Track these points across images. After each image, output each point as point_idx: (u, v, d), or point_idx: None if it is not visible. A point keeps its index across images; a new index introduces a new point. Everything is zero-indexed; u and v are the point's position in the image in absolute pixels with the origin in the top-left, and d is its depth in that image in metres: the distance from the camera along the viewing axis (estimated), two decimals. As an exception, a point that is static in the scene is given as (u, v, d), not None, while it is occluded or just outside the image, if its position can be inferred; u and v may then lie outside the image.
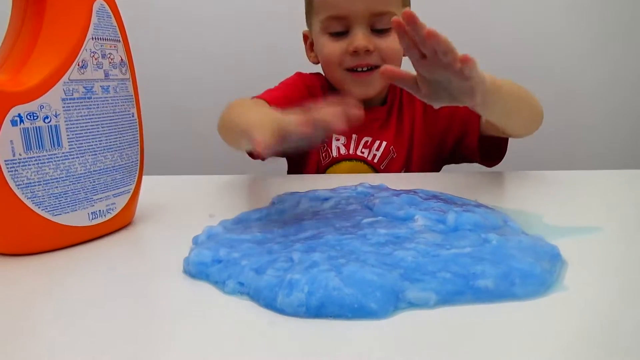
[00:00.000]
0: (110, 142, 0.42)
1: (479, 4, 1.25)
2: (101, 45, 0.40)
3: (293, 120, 0.39)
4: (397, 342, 0.24)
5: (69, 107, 0.38)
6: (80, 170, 0.39)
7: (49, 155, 0.37)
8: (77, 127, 0.39)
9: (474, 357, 0.23)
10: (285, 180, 0.67)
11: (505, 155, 0.70)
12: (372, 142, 0.77)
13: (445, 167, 0.83)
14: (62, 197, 0.38)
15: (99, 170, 0.41)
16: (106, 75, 0.41)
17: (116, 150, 0.42)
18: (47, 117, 0.37)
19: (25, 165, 0.36)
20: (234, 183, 0.64)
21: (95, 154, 0.41)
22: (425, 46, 0.43)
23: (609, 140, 1.30)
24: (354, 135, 0.77)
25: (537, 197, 0.52)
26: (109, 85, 0.41)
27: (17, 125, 0.35)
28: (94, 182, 0.41)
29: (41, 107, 0.36)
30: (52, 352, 0.24)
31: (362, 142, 0.77)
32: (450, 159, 0.80)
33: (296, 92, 0.76)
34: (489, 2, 1.26)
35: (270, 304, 0.28)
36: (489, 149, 0.71)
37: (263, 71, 1.01)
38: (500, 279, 0.28)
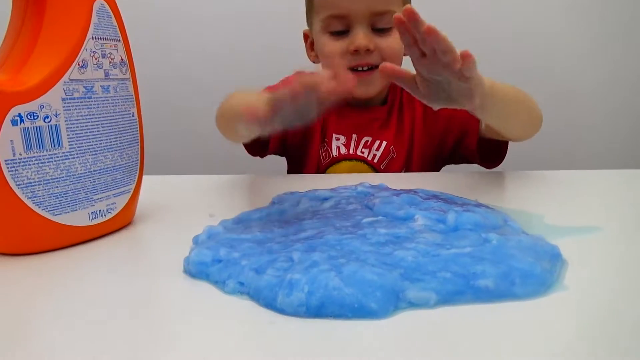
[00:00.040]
0: (111, 141, 0.42)
1: (479, 4, 1.25)
2: (101, 45, 0.40)
3: (283, 90, 0.40)
4: (397, 342, 0.24)
5: (69, 106, 0.38)
6: (81, 170, 0.39)
7: (49, 155, 0.37)
8: (78, 127, 0.39)
9: (474, 357, 0.23)
10: (285, 180, 0.67)
11: (506, 155, 0.70)
12: (372, 142, 0.76)
13: (445, 167, 0.83)
14: (63, 196, 0.38)
15: (99, 170, 0.41)
16: (106, 75, 0.41)
17: (116, 150, 0.42)
18: (47, 117, 0.37)
19: (26, 165, 0.36)
20: (234, 183, 0.64)
21: (96, 154, 0.41)
22: (425, 44, 0.43)
23: (608, 140, 1.30)
24: (354, 135, 0.77)
25: (537, 197, 0.52)
26: (109, 85, 0.41)
27: (17, 125, 0.35)
28: (94, 181, 0.41)
29: (41, 106, 0.36)
30: (52, 352, 0.24)
31: (362, 142, 0.77)
32: (450, 159, 0.80)
33: None
34: (489, 2, 1.26)
35: (270, 304, 0.28)
36: (489, 151, 0.71)
37: (263, 71, 1.00)
38: (501, 279, 0.28)
